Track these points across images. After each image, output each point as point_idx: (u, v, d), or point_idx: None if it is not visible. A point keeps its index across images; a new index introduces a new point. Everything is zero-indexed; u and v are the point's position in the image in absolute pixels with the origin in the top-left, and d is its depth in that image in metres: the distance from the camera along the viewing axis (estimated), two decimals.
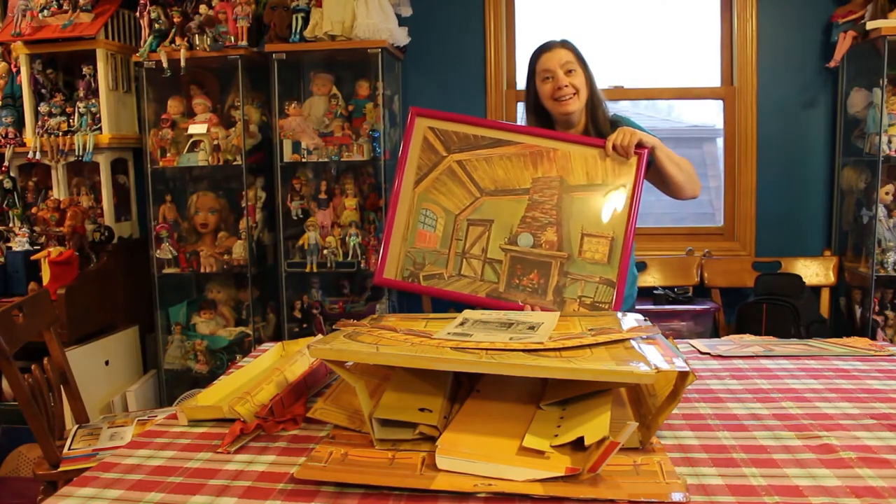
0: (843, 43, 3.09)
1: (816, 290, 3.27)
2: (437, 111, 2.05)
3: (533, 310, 1.77)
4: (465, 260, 1.91)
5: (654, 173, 1.99)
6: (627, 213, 1.84)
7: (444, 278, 1.91)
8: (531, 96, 2.11)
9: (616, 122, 2.07)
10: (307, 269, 3.25)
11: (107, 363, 3.21)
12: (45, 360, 2.20)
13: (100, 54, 3.20)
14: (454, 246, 1.92)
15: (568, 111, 2.03)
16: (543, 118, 2.10)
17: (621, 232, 1.83)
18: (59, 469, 2.04)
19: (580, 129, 2.09)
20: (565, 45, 2.06)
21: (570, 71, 2.02)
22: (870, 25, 2.94)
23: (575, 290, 1.82)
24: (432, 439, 1.14)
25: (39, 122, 3.28)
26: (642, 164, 1.86)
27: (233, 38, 3.15)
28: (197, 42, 3.17)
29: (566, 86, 2.00)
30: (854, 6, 3.12)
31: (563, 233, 1.86)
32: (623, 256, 1.81)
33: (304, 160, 3.22)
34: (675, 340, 1.77)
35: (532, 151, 1.93)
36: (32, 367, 2.12)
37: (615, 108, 2.17)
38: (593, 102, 2.07)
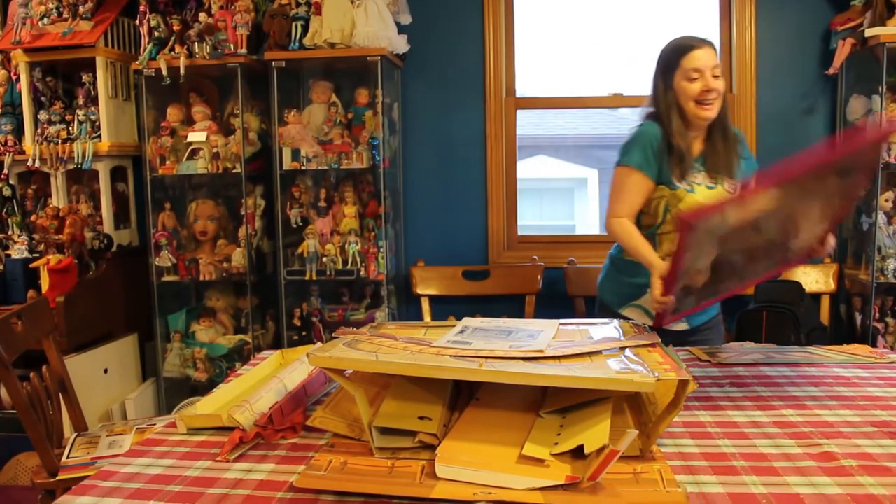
0: (842, 50, 3.09)
1: (816, 297, 3.27)
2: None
3: None
4: None
5: None
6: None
7: None
8: (662, 92, 2.01)
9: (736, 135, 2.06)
10: (306, 277, 3.25)
11: (106, 371, 3.20)
12: (44, 368, 2.20)
13: (99, 62, 3.21)
14: None
15: (709, 117, 1.95)
16: (674, 116, 1.99)
17: None
18: (58, 478, 2.03)
19: (704, 132, 2.03)
20: (712, 46, 1.96)
21: (716, 75, 1.94)
22: (868, 33, 2.94)
23: None
24: (432, 447, 1.14)
25: (39, 130, 3.28)
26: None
27: (232, 46, 3.15)
28: (196, 50, 3.17)
29: (714, 89, 1.92)
30: (852, 13, 3.12)
31: None
32: None
33: (303, 168, 3.22)
34: (675, 348, 1.77)
35: None
36: (31, 375, 2.12)
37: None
38: (724, 108, 2.00)
